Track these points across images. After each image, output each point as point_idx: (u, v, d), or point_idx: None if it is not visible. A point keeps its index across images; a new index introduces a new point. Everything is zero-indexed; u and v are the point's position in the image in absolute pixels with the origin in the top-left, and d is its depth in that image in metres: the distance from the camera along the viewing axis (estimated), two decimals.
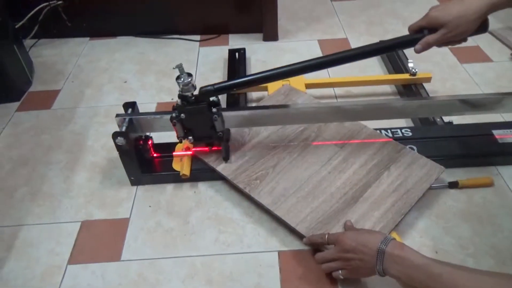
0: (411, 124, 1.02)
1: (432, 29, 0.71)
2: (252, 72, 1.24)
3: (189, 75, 0.77)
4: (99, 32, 1.49)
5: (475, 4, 0.65)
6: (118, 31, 1.49)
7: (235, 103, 1.09)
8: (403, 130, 0.94)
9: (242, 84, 0.80)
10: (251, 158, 0.87)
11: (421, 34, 0.72)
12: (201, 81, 1.24)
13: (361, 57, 0.78)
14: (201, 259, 0.76)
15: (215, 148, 0.89)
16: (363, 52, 0.78)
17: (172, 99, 1.17)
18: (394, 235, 0.73)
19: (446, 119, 0.99)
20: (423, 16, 0.72)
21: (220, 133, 0.82)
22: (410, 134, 0.93)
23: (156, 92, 1.21)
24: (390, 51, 0.76)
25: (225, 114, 0.82)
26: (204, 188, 0.90)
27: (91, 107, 1.16)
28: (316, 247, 0.74)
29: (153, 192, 0.90)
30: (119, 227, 0.83)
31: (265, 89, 1.09)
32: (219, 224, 0.83)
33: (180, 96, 0.79)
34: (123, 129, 0.82)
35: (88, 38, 1.49)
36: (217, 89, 0.78)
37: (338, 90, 1.17)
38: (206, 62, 1.33)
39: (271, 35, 1.42)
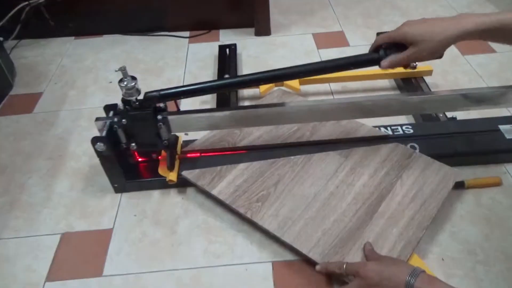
0: (412, 121, 0.96)
1: (400, 44, 0.66)
2: (244, 69, 1.21)
3: (133, 78, 0.73)
4: (85, 30, 1.42)
5: (451, 28, 0.62)
6: (104, 29, 1.42)
7: (225, 101, 1.03)
8: (404, 127, 0.89)
9: (192, 92, 0.75)
10: (250, 177, 0.79)
11: (377, 54, 0.68)
12: (190, 79, 1.19)
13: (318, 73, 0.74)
14: (189, 273, 0.71)
15: (160, 157, 0.85)
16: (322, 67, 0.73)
17: None
18: (415, 258, 0.66)
19: (449, 114, 0.93)
20: (395, 29, 0.66)
21: (166, 141, 0.78)
22: (412, 131, 0.88)
23: (142, 92, 1.15)
24: (354, 68, 0.72)
25: (174, 118, 0.77)
26: (192, 194, 0.84)
27: (74, 110, 1.10)
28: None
29: (138, 200, 0.84)
30: (101, 239, 0.78)
31: (257, 86, 1.03)
32: (209, 233, 0.77)
33: (123, 101, 0.75)
34: (104, 133, 0.76)
35: (73, 38, 1.42)
36: (163, 96, 0.74)
37: (334, 86, 1.11)
38: (196, 60, 1.27)
39: (263, 29, 1.36)
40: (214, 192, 0.78)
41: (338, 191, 0.76)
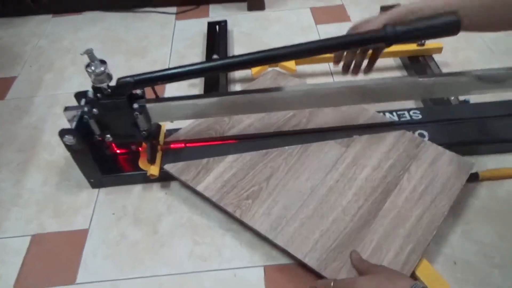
0: (420, 105, 0.87)
1: None
2: (235, 47, 1.11)
3: (102, 62, 0.65)
4: (64, 7, 1.31)
5: None
6: (84, 6, 1.32)
7: (214, 84, 0.94)
8: (411, 112, 0.80)
9: (171, 77, 0.66)
10: (239, 171, 0.71)
11: (384, 31, 0.59)
12: (176, 59, 1.09)
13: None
14: (172, 279, 0.64)
15: (140, 148, 0.77)
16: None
17: None
18: (424, 263, 0.58)
19: (462, 97, 0.84)
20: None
21: (144, 132, 0.70)
22: (420, 116, 0.79)
23: (125, 75, 1.05)
24: (357, 47, 0.62)
25: (152, 106, 0.69)
26: (177, 188, 0.76)
27: (50, 96, 1.01)
28: None
29: (117, 195, 0.76)
30: (75, 240, 0.70)
31: (248, 68, 0.94)
32: (194, 233, 0.69)
33: (93, 88, 0.67)
34: (73, 125, 0.68)
35: (50, 16, 1.32)
36: (137, 81, 0.65)
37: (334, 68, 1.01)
38: (183, 38, 1.17)
39: (256, 3, 1.25)
40: (200, 188, 0.70)
41: (338, 186, 0.68)
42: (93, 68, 0.64)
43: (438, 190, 0.66)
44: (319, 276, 0.58)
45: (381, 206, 0.64)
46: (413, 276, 0.57)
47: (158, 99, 0.71)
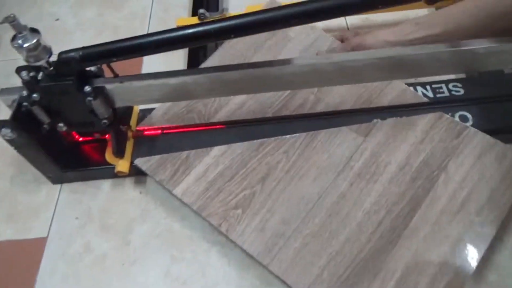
0: (462, 75, 0.68)
1: None
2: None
3: (34, 31, 0.49)
4: None
5: None
6: None
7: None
8: (450, 86, 0.62)
9: (132, 51, 0.50)
10: (227, 168, 0.56)
11: None
12: (159, 11, 0.90)
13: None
14: None
15: (107, 135, 0.62)
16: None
17: None
18: None
19: None
20: None
21: (105, 120, 0.54)
22: (462, 92, 0.61)
23: (97, 32, 0.88)
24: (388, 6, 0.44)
25: (112, 87, 0.53)
26: (153, 187, 0.62)
27: (9, 61, 0.85)
28: None
29: (82, 194, 0.63)
30: (32, 252, 0.58)
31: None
32: (172, 246, 0.56)
33: (31, 67, 0.51)
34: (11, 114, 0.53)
35: None
36: (85, 57, 0.49)
37: (352, 19, 0.81)
38: None
39: None
40: (177, 192, 0.56)
41: (353, 192, 0.53)
42: (20, 41, 0.48)
43: (486, 198, 0.50)
44: None
45: (409, 222, 0.50)
46: None
47: (119, 78, 0.54)
